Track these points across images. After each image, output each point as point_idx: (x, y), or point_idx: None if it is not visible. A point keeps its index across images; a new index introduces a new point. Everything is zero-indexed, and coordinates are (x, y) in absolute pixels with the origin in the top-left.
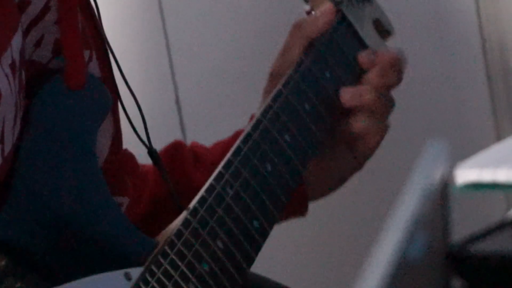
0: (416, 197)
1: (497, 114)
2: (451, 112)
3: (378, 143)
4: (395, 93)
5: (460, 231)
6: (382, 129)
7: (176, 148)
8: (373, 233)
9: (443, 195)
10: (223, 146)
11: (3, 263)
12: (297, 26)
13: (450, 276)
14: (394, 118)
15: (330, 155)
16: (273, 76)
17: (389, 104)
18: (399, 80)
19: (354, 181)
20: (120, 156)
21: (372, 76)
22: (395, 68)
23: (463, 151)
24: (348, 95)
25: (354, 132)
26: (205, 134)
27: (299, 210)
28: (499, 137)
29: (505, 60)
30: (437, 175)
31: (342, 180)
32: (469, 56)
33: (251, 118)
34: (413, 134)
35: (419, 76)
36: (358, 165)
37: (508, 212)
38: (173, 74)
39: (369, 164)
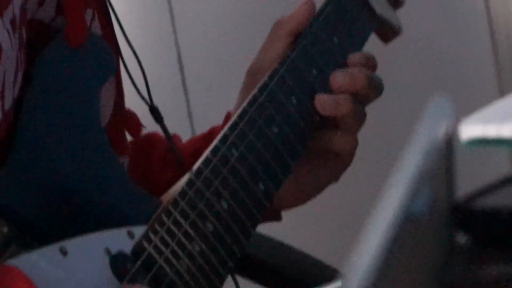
0: (420, 153)
1: (500, 69)
2: (455, 68)
3: (351, 158)
4: (402, 47)
5: (464, 187)
6: (353, 147)
7: (146, 141)
8: (377, 189)
9: (447, 151)
10: (197, 143)
11: (5, 230)
12: (278, 23)
13: (455, 231)
14: (398, 74)
15: (307, 168)
16: (251, 74)
17: (362, 117)
18: (379, 93)
19: (359, 138)
20: (122, 116)
21: (356, 75)
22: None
23: (467, 107)
24: (324, 103)
25: (328, 147)
26: (207, 92)
27: (273, 217)
28: (502, 93)
29: (509, 15)
30: (441, 130)
31: (317, 192)
32: (472, 11)
33: (226, 117)
34: (417, 91)
35: (423, 33)
36: (332, 179)
37: None
38: (175, 33)
39: (374, 120)
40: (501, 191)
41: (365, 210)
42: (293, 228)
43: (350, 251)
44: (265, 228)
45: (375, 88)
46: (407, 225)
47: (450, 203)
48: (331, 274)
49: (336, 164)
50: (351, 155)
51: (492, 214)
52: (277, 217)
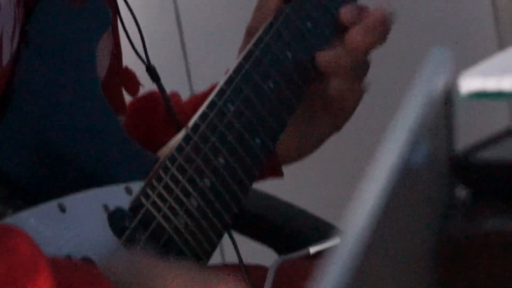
0: (419, 105)
1: (499, 22)
2: (454, 21)
3: (355, 107)
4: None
5: (464, 140)
6: (358, 93)
7: (148, 100)
8: (376, 141)
9: (446, 104)
10: (198, 101)
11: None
12: None
13: (454, 185)
14: (398, 28)
15: (307, 119)
16: (249, 32)
17: (365, 67)
18: (382, 41)
19: None
20: (120, 74)
21: (354, 35)
22: (381, 29)
23: (466, 60)
24: (323, 59)
25: (330, 96)
26: (206, 51)
27: (274, 173)
28: (501, 46)
29: None
30: (440, 83)
31: (319, 143)
32: None
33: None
34: (416, 43)
35: None
36: (336, 128)
37: None
38: None
39: (374, 72)
40: (500, 144)
41: (363, 163)
42: (291, 184)
43: (348, 206)
44: (264, 186)
45: (377, 41)
46: (406, 178)
47: (450, 156)
48: (329, 230)
49: (338, 112)
50: (354, 103)
51: (491, 167)
52: (278, 173)
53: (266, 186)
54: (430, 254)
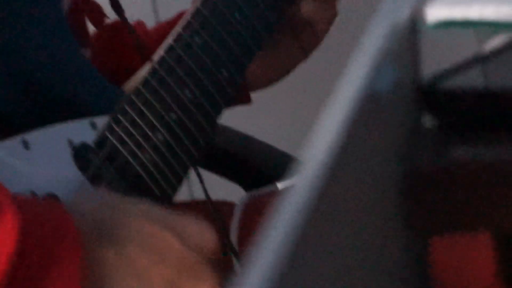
0: (383, 31)
1: None
2: None
3: (325, 31)
4: None
5: (431, 68)
6: (330, 16)
7: (114, 31)
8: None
9: (412, 31)
10: (164, 30)
11: None
12: None
13: (420, 113)
14: None
15: (275, 45)
16: None
17: None
18: None
19: None
20: (83, 5)
21: None
22: None
23: None
24: None
25: (301, 18)
26: None
27: (242, 100)
28: None
29: None
30: (406, 11)
31: (286, 71)
32: None
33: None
34: None
35: None
36: (303, 56)
37: (479, 49)
38: None
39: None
40: (467, 72)
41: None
42: (258, 119)
43: (311, 135)
44: (230, 120)
45: None
46: (370, 105)
47: (416, 84)
48: (295, 164)
49: (308, 36)
50: (326, 26)
51: (458, 96)
52: (246, 100)
53: (233, 120)
54: (396, 184)
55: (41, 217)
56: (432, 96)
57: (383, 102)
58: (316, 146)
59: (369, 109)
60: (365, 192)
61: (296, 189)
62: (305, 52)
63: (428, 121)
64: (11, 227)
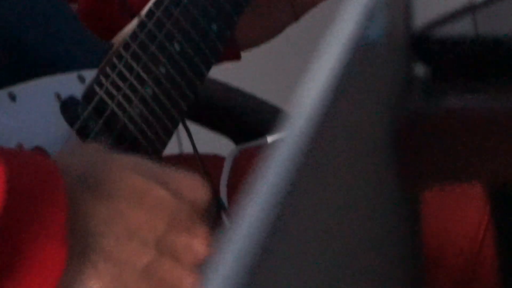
0: None
1: None
2: None
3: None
4: None
5: (423, 17)
6: None
7: None
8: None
9: None
10: None
11: None
12: None
13: (413, 62)
14: None
15: (267, 6)
16: None
17: None
18: None
19: None
20: None
21: None
22: None
23: None
24: None
25: None
26: None
27: (232, 56)
28: None
29: None
30: None
31: (276, 31)
32: None
33: None
34: None
35: None
36: (294, 17)
37: None
38: None
39: None
40: (460, 20)
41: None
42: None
43: (302, 86)
44: (221, 74)
45: None
46: (362, 53)
47: (408, 32)
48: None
49: (300, 3)
50: None
51: (451, 44)
52: (235, 57)
53: (223, 74)
54: (388, 134)
55: (27, 169)
56: (424, 44)
57: (375, 51)
58: (306, 98)
59: (361, 58)
60: (356, 143)
61: (285, 142)
62: (296, 13)
63: (420, 70)
64: None
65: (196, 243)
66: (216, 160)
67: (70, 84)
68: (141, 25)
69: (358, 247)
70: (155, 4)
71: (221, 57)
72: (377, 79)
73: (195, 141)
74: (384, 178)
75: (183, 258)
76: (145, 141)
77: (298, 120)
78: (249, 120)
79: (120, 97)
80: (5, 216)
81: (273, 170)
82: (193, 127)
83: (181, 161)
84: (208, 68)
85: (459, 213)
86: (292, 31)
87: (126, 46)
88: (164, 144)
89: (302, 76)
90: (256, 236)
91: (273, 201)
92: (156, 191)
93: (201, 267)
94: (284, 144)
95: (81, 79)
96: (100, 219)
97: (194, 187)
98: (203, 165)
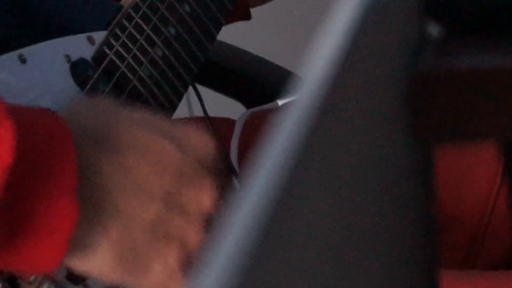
0: None
1: None
2: None
3: None
4: None
5: None
6: None
7: None
8: None
9: None
10: None
11: None
12: None
13: (426, 22)
14: None
15: None
16: None
17: None
18: None
19: None
20: None
21: None
22: None
23: None
24: None
25: None
26: None
27: (242, 16)
28: None
29: None
30: None
31: None
32: None
33: None
34: None
35: None
36: None
37: None
38: None
39: None
40: None
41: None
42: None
43: (313, 49)
44: (230, 37)
45: None
46: (374, 13)
47: None
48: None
49: None
50: None
51: (464, 2)
52: (246, 16)
53: (232, 36)
54: (400, 93)
55: (36, 126)
56: (437, 3)
57: (387, 11)
58: (318, 60)
59: (373, 18)
60: (368, 105)
61: (297, 105)
62: None
63: (432, 29)
64: (7, 139)
65: (202, 197)
66: (226, 124)
67: (80, 46)
68: None
69: (372, 208)
70: None
71: (230, 17)
72: (389, 39)
73: (205, 105)
74: (397, 139)
75: (189, 211)
76: (155, 103)
77: (309, 82)
78: (260, 84)
79: (130, 59)
80: (15, 172)
81: (284, 133)
82: (204, 90)
83: (191, 123)
84: (218, 28)
85: (473, 170)
86: None
87: (135, 7)
88: (174, 107)
89: (313, 38)
90: (268, 198)
91: (283, 165)
92: (163, 146)
93: (207, 220)
94: (295, 107)
95: (91, 41)
96: (109, 173)
97: (203, 143)
98: (213, 128)
